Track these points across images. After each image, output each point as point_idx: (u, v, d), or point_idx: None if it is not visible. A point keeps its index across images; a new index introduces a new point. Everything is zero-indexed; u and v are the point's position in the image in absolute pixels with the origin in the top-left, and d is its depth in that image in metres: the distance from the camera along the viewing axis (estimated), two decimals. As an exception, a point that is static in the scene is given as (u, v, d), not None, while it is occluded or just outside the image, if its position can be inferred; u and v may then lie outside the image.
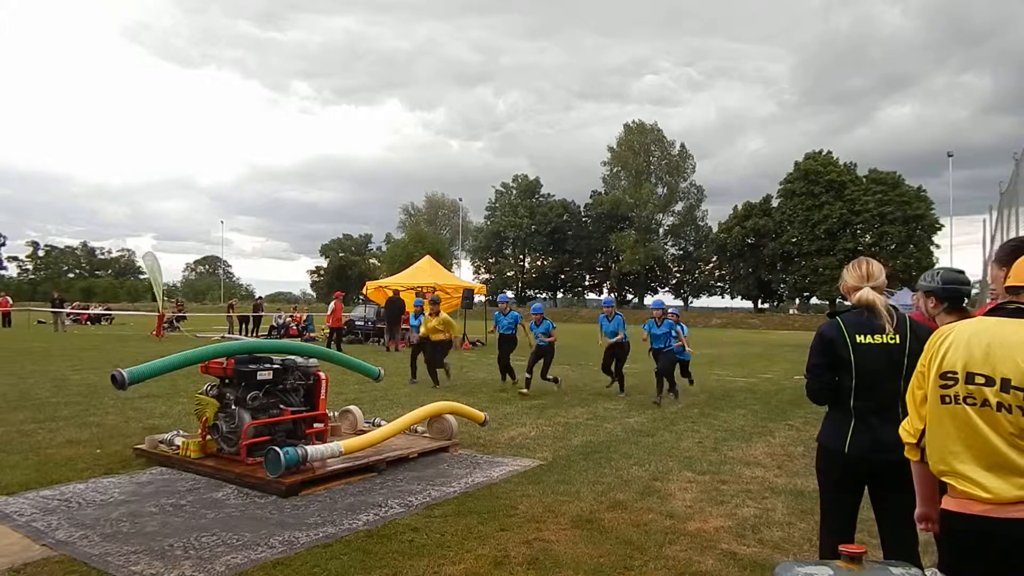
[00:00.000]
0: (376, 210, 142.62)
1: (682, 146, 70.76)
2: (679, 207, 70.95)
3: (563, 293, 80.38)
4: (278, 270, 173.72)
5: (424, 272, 24.66)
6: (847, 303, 2.91)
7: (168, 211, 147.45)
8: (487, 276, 76.07)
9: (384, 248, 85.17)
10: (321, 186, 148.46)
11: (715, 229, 66.56)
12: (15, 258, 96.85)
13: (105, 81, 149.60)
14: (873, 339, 2.74)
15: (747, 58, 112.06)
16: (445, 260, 54.69)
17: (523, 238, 75.00)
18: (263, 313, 29.88)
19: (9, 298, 34.85)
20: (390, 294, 23.03)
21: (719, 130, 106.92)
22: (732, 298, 67.73)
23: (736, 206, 63.75)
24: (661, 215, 70.89)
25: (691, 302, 71.26)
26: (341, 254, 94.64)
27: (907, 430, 2.09)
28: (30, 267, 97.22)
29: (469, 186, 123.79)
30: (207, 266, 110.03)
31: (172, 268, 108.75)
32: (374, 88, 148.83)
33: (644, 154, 70.36)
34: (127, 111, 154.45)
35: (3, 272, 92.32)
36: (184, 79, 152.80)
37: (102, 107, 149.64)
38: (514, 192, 77.89)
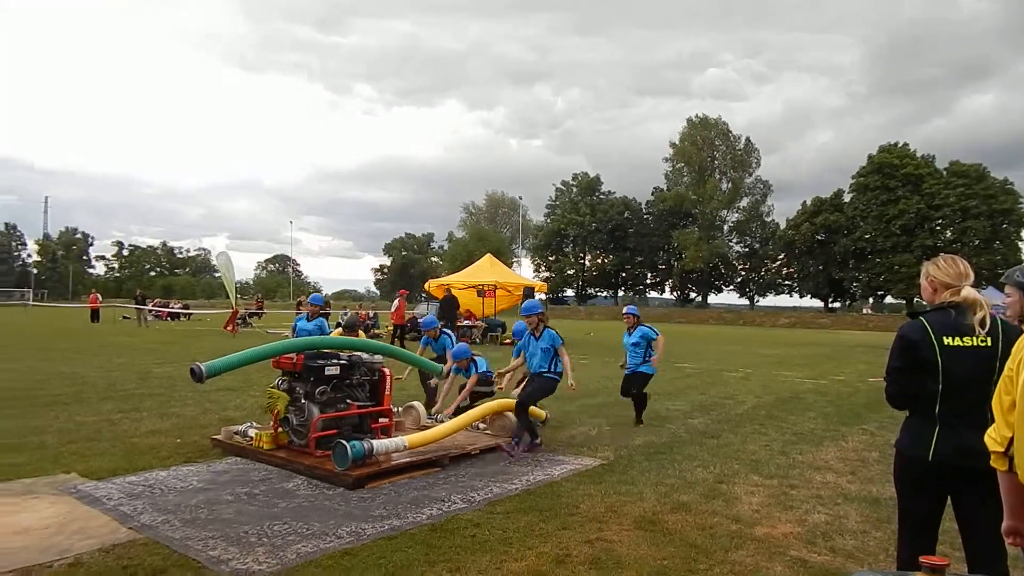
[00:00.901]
0: (437, 209, 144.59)
1: (747, 140, 68.80)
2: (744, 203, 69.00)
3: (624, 291, 79.49)
4: (344, 268, 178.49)
5: (485, 270, 24.85)
6: (924, 302, 2.77)
7: (240, 211, 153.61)
8: (548, 274, 76.00)
9: (445, 246, 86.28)
10: (383, 186, 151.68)
11: (782, 226, 64.48)
12: (102, 257, 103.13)
13: (180, 88, 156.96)
14: (962, 341, 2.58)
15: (813, 48, 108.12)
16: (505, 258, 54.92)
17: (584, 236, 74.54)
18: (330, 311, 30.75)
19: (99, 295, 36.99)
20: (430, 290, 23.30)
21: (785, 123, 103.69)
22: (800, 297, 65.46)
23: (805, 201, 61.59)
24: (725, 211, 69.10)
25: (757, 300, 69.29)
26: (404, 253, 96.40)
27: (994, 438, 1.98)
28: (116, 266, 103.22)
29: (528, 184, 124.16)
30: (277, 264, 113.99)
31: (244, 266, 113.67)
32: (433, 89, 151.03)
33: (708, 149, 68.75)
34: (200, 116, 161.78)
35: (92, 271, 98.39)
36: (251, 84, 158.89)
37: (177, 113, 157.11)
38: (574, 190, 77.53)
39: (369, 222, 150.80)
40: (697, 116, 69.50)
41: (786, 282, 66.68)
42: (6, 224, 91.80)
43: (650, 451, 6.67)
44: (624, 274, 76.98)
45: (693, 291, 72.49)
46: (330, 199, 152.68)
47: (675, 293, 73.95)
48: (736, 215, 69.60)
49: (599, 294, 79.11)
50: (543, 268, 78.56)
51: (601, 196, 76.70)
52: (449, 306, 21.29)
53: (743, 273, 70.27)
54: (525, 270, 75.46)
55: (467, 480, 5.49)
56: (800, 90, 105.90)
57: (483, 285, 23.63)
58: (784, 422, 8.48)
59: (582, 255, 78.82)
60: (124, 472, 5.46)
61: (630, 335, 8.36)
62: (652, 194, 73.41)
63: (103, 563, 3.65)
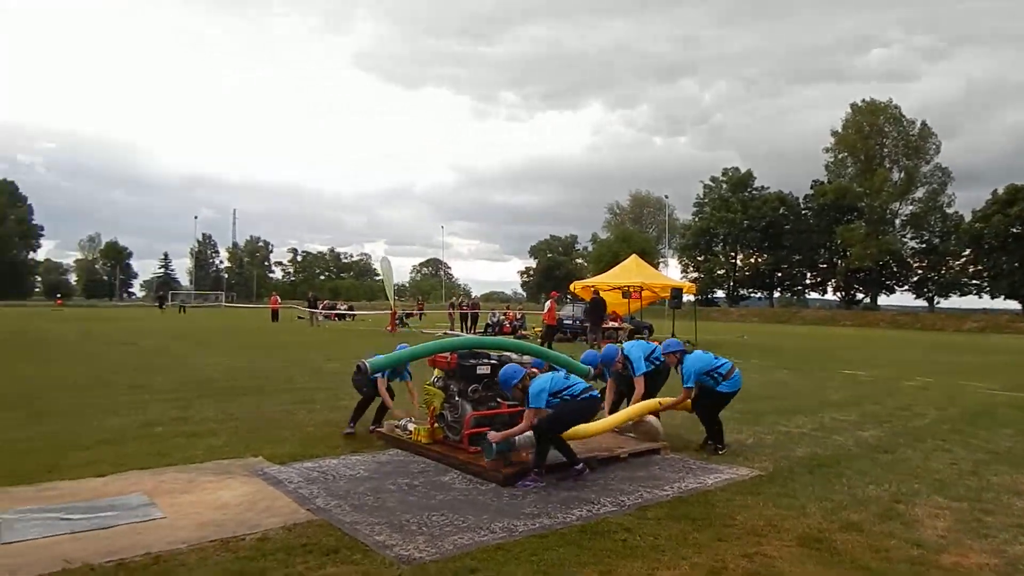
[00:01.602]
0: (581, 210, 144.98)
1: (923, 124, 61.94)
2: (919, 193, 62.08)
3: (780, 292, 74.78)
4: (491, 271, 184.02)
5: (630, 271, 24.50)
6: None
7: (396, 218, 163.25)
8: (696, 274, 73.40)
9: (590, 248, 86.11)
10: (528, 189, 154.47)
11: (967, 218, 57.30)
12: (280, 263, 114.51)
13: (343, 105, 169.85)
14: None
15: (992, 16, 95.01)
16: (652, 258, 53.85)
17: (735, 234, 71.15)
18: (479, 311, 31.88)
19: (278, 297, 41.00)
20: (576, 293, 23.29)
21: (966, 103, 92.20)
22: (992, 298, 57.73)
23: (996, 190, 54.30)
24: (897, 203, 62.62)
25: (937, 302, 62.14)
26: (549, 255, 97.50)
27: None
28: (291, 270, 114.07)
29: (674, 182, 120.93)
30: (430, 268, 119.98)
31: (401, 270, 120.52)
32: (576, 91, 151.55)
33: (876, 136, 62.77)
34: (361, 130, 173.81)
35: (271, 275, 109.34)
36: (406, 99, 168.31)
37: (341, 128, 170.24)
38: (724, 186, 74.20)
39: (515, 225, 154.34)
40: (863, 101, 63.85)
41: (973, 281, 59.13)
42: (203, 234, 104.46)
43: (814, 464, 6.23)
44: (780, 274, 72.46)
45: (860, 291, 66.57)
46: (478, 204, 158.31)
47: (839, 294, 68.29)
48: (910, 207, 62.93)
49: (752, 295, 75.06)
50: (691, 268, 75.98)
51: (753, 192, 72.76)
52: (597, 308, 21.24)
53: (919, 271, 63.35)
54: (672, 270, 73.51)
55: (616, 484, 5.45)
56: (982, 66, 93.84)
57: (629, 286, 23.28)
58: (974, 438, 7.56)
59: (733, 254, 75.26)
60: (301, 458, 6.01)
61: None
62: (811, 188, 68.45)
63: (286, 540, 4.04)
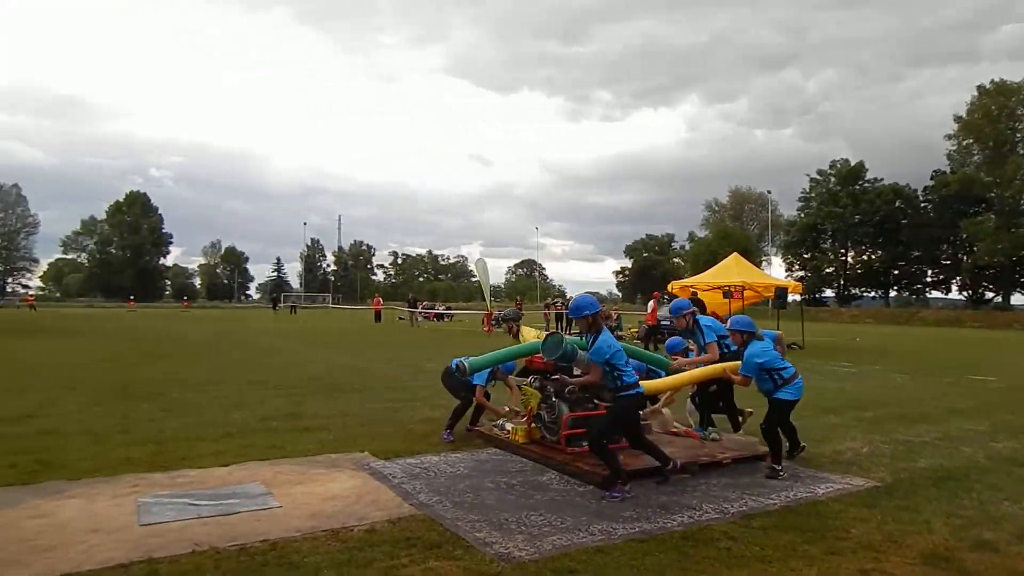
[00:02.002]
0: (677, 209, 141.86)
1: (1064, 105, 55.95)
2: (1060, 182, 56.19)
3: (897, 291, 69.82)
4: (586, 271, 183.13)
5: (731, 270, 23.64)
6: None
7: (492, 220, 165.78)
8: (802, 272, 69.85)
9: (687, 247, 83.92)
10: (623, 188, 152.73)
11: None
12: (381, 265, 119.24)
13: (439, 111, 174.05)
14: None
15: None
16: (754, 257, 51.74)
17: (844, 230, 67.08)
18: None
19: (380, 299, 42.66)
20: (676, 292, 22.66)
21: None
22: None
23: None
24: (1033, 193, 56.98)
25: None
26: (644, 254, 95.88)
27: None
28: (392, 272, 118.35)
29: (777, 177, 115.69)
30: (525, 269, 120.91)
31: (497, 271, 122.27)
32: (672, 87, 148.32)
33: (1006, 120, 57.28)
34: (457, 135, 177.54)
35: (374, 277, 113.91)
36: (499, 102, 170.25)
37: (436, 133, 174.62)
38: (832, 179, 70.16)
39: (609, 225, 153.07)
40: (992, 82, 58.48)
41: None
42: (312, 239, 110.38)
43: (938, 476, 5.78)
44: (896, 271, 67.69)
45: (989, 290, 61.05)
46: (572, 204, 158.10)
47: (965, 293, 62.95)
48: (1049, 197, 57.03)
49: (865, 294, 70.54)
50: (796, 266, 72.39)
51: (865, 184, 68.37)
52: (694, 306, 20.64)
53: (1062, 267, 57.31)
54: (776, 269, 70.35)
55: (719, 490, 5.28)
56: None
57: (730, 286, 22.47)
58: None
59: (843, 251, 71.04)
60: (404, 454, 6.22)
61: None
62: (931, 178, 63.49)
63: (391, 533, 4.20)
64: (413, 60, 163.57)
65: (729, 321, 6.31)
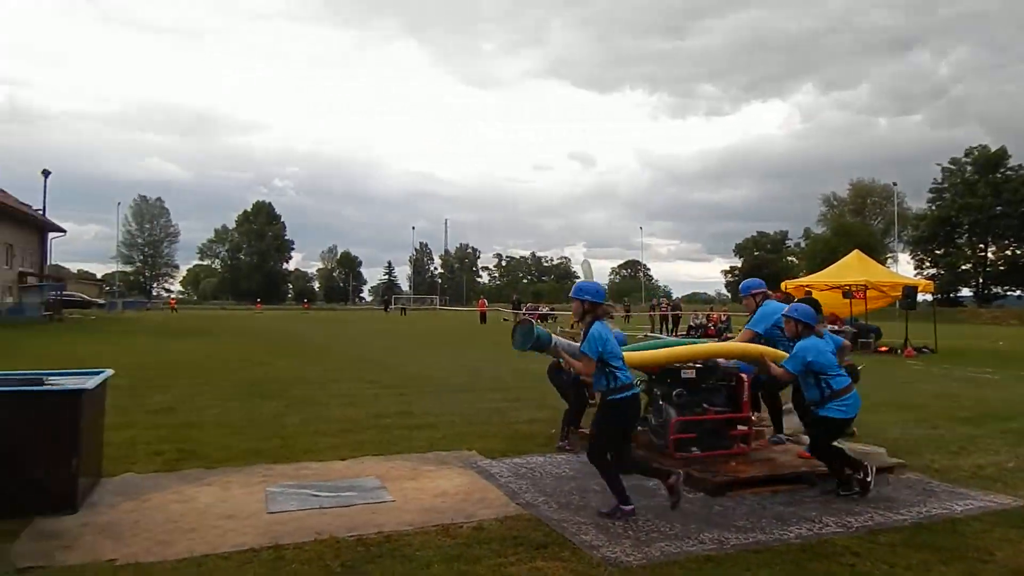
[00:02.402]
0: (791, 204, 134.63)
1: None
2: None
3: (1049, 289, 62.85)
4: (693, 271, 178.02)
5: (852, 268, 22.18)
6: None
7: (594, 221, 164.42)
8: (933, 270, 64.39)
9: (802, 244, 79.67)
10: (731, 184, 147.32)
11: None
12: (486, 268, 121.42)
13: (540, 113, 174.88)
14: None
15: None
16: (877, 254, 48.19)
17: (983, 222, 61.18)
18: (681, 312, 31.00)
19: (485, 300, 43.48)
20: (807, 293, 21.46)
21: None
22: None
23: None
24: None
25: None
26: (755, 252, 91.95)
27: None
28: (496, 274, 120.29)
29: (904, 167, 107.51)
30: (628, 270, 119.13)
31: (601, 272, 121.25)
32: (783, 76, 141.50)
33: None
34: (559, 137, 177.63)
35: (479, 279, 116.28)
36: (601, 102, 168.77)
37: (539, 135, 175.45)
38: (969, 168, 64.18)
39: (717, 223, 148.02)
40: None
41: None
42: (420, 243, 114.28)
43: (1102, 497, 5.15)
44: (1048, 267, 60.94)
45: None
46: (677, 202, 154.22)
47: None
48: None
49: (1009, 293, 63.95)
50: (927, 263, 66.83)
51: (1008, 172, 61.99)
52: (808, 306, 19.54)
53: None
54: (903, 267, 65.28)
55: (841, 503, 4.97)
56: None
57: (850, 285, 21.10)
58: None
59: (982, 246, 64.80)
60: (511, 454, 6.30)
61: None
62: (1092, 163, 56.69)
63: (498, 531, 4.27)
64: (512, 64, 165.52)
65: (790, 308, 5.52)
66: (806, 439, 6.08)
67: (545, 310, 43.41)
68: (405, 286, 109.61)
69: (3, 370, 7.17)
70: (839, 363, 5.27)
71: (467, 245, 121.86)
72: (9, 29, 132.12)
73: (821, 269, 26.62)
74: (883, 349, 19.30)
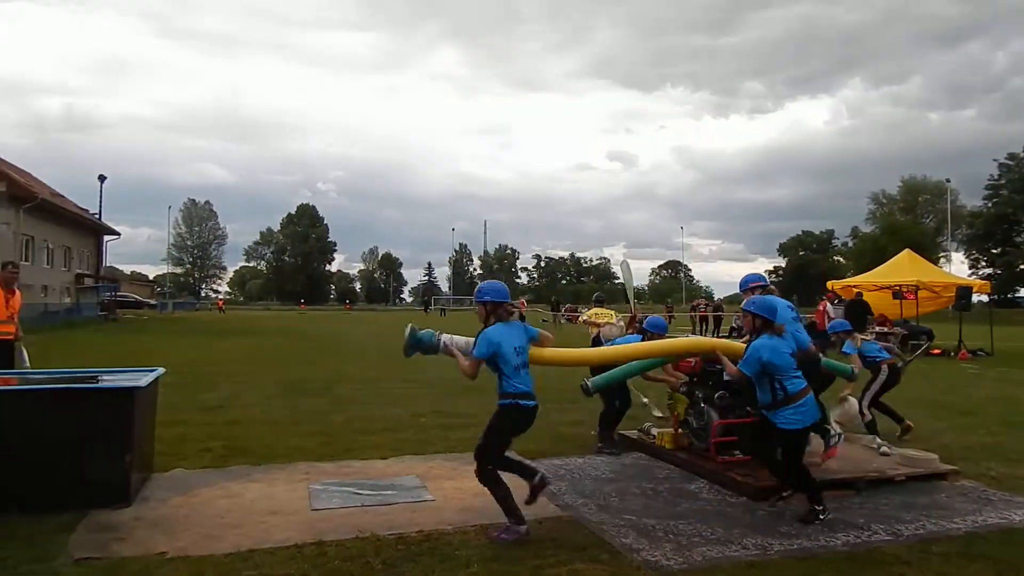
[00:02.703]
0: (838, 203, 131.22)
1: None
2: None
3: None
4: (735, 271, 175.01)
5: (902, 268, 21.51)
6: None
7: (634, 221, 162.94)
8: (989, 270, 61.92)
9: (849, 243, 77.59)
10: (775, 183, 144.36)
11: None
12: (525, 268, 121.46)
13: (581, 114, 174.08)
14: None
15: None
16: (929, 253, 46.56)
17: (1045, 220, 58.61)
18: (723, 314, 30.48)
19: (524, 301, 43.54)
20: (853, 294, 20.94)
21: None
22: None
23: None
24: None
25: None
26: (800, 252, 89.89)
27: None
28: (535, 275, 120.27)
29: (957, 164, 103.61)
30: (669, 270, 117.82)
31: (640, 273, 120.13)
32: (831, 72, 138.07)
33: None
34: (598, 137, 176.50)
35: (518, 280, 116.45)
36: (642, 101, 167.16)
37: (579, 136, 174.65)
38: (1030, 163, 61.49)
39: (761, 222, 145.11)
40: None
41: None
42: (460, 244, 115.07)
43: None
44: (1116, 267, 58.04)
45: None
46: (720, 202, 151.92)
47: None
48: None
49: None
50: (983, 263, 64.33)
51: (1073, 167, 59.27)
52: (857, 309, 19.08)
53: None
54: (956, 266, 62.99)
55: (890, 510, 4.82)
56: None
57: (901, 285, 20.46)
58: None
59: (1043, 245, 62.03)
60: (549, 455, 6.29)
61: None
62: None
63: (537, 532, 4.26)
64: (554, 65, 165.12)
65: (746, 301, 5.08)
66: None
67: (585, 311, 43.22)
68: (445, 287, 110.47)
69: (61, 368, 7.50)
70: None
71: (506, 246, 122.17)
72: (67, 42, 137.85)
73: (869, 269, 25.87)
74: (936, 352, 18.65)
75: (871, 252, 52.41)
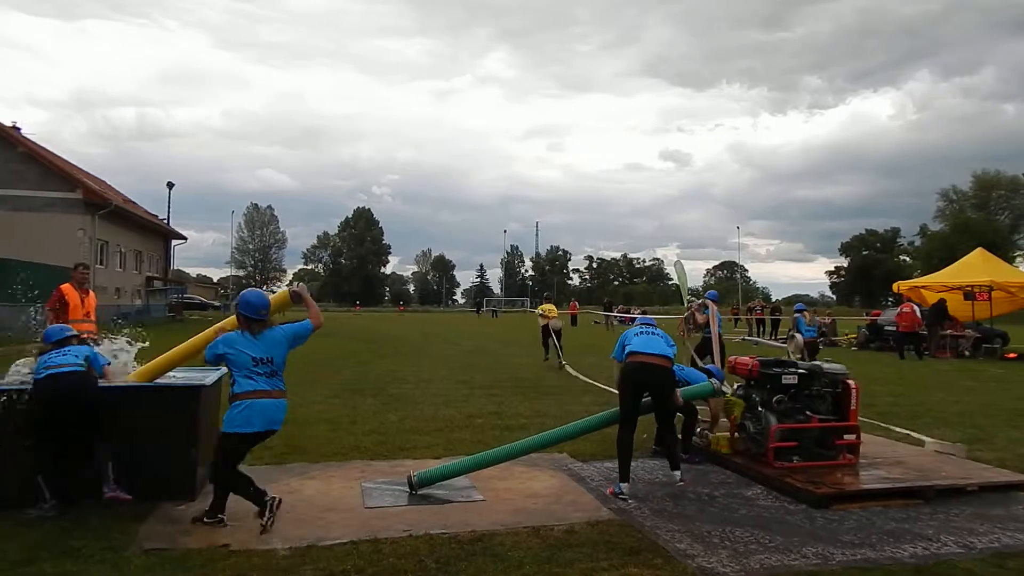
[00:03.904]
0: (903, 200, 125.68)
1: None
2: None
3: None
4: (794, 272, 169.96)
5: (974, 268, 20.51)
6: None
7: (688, 222, 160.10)
8: (1072, 270, 58.36)
9: (917, 242, 74.42)
10: (836, 181, 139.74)
11: None
12: (577, 270, 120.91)
13: (631, 113, 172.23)
14: None
15: None
16: (1003, 252, 44.18)
17: None
18: (781, 316, 29.65)
19: (576, 302, 43.30)
20: (924, 294, 20.12)
21: None
22: None
23: None
24: None
25: None
26: (864, 252, 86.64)
27: None
28: (587, 277, 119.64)
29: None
30: (725, 271, 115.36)
31: (694, 274, 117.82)
32: (895, 64, 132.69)
33: None
34: (652, 136, 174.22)
35: (570, 282, 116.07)
36: (696, 99, 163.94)
37: (632, 136, 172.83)
38: (1117, 155, 57.67)
39: (821, 221, 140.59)
40: None
41: None
42: (511, 246, 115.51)
43: None
44: None
45: None
46: (778, 201, 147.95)
47: None
48: None
49: None
50: (1064, 262, 60.60)
51: None
52: (938, 312, 18.40)
53: None
54: (1035, 266, 59.53)
55: (962, 521, 4.60)
56: None
57: (972, 286, 19.50)
58: None
59: None
60: (602, 457, 6.24)
61: None
62: None
63: (589, 535, 4.24)
64: (607, 65, 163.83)
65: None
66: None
67: (637, 312, 42.72)
68: (496, 289, 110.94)
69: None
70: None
71: (558, 247, 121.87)
72: (138, 55, 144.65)
73: (939, 269, 24.76)
74: (1011, 356, 17.69)
75: (940, 251, 50.06)
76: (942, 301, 19.20)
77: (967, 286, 19.62)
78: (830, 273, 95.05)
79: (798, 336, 11.24)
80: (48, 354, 4.72)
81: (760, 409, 5.87)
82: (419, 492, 5.02)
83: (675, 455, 5.48)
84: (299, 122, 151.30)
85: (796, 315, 15.87)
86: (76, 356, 4.69)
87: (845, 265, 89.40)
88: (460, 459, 5.49)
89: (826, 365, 6.04)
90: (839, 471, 5.49)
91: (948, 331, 19.14)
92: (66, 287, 7.61)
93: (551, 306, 15.79)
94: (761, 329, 28.70)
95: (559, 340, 14.76)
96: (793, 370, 5.90)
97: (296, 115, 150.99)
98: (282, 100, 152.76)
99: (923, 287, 21.88)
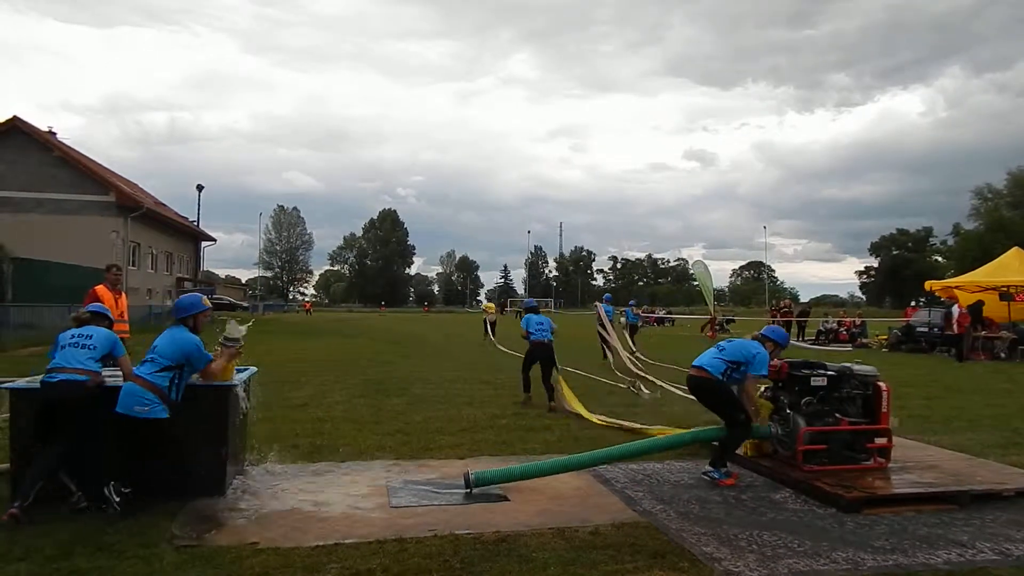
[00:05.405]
0: (935, 199, 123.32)
1: None
2: None
3: None
4: (822, 272, 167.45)
5: (1010, 267, 20.00)
6: None
7: (714, 221, 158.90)
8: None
9: (950, 241, 72.73)
10: (865, 179, 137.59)
11: None
12: (601, 270, 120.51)
13: (656, 113, 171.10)
14: None
15: None
16: (1042, 251, 43.02)
17: None
18: (808, 319, 29.22)
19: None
20: (958, 294, 19.67)
21: None
22: None
23: None
24: None
25: None
26: (894, 251, 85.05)
27: None
28: (611, 277, 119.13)
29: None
30: (751, 271, 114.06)
31: (720, 274, 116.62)
32: (926, 60, 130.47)
33: None
34: (676, 136, 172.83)
35: (593, 282, 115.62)
36: (721, 98, 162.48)
37: (656, 136, 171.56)
38: None
39: (850, 220, 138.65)
40: None
41: None
42: (535, 247, 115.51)
43: None
44: None
45: None
46: (805, 200, 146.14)
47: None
48: None
49: None
50: (1106, 261, 58.76)
51: None
52: (974, 314, 18.03)
53: None
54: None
55: (998, 527, 4.48)
56: None
57: (1009, 286, 19.02)
58: None
59: None
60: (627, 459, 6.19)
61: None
62: None
63: (615, 537, 4.21)
64: (630, 64, 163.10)
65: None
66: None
67: (661, 313, 42.41)
68: (520, 289, 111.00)
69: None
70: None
71: (581, 248, 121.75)
72: (168, 62, 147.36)
73: (973, 269, 24.19)
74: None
75: (974, 251, 48.89)
76: (980, 302, 18.75)
77: (1003, 286, 19.14)
78: (860, 273, 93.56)
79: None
80: (65, 334, 4.72)
81: (788, 411, 5.79)
82: (473, 491, 5.02)
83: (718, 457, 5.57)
84: (324, 125, 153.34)
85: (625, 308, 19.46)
86: (86, 349, 4.61)
87: (875, 265, 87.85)
88: (526, 463, 5.46)
89: (856, 367, 5.93)
90: (870, 475, 5.39)
91: (983, 333, 18.69)
92: (100, 288, 7.77)
93: (492, 304, 26.75)
94: (788, 330, 28.28)
95: (493, 329, 22.76)
96: (822, 372, 5.81)
97: (321, 118, 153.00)
98: (307, 103, 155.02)
99: (957, 287, 21.40)
